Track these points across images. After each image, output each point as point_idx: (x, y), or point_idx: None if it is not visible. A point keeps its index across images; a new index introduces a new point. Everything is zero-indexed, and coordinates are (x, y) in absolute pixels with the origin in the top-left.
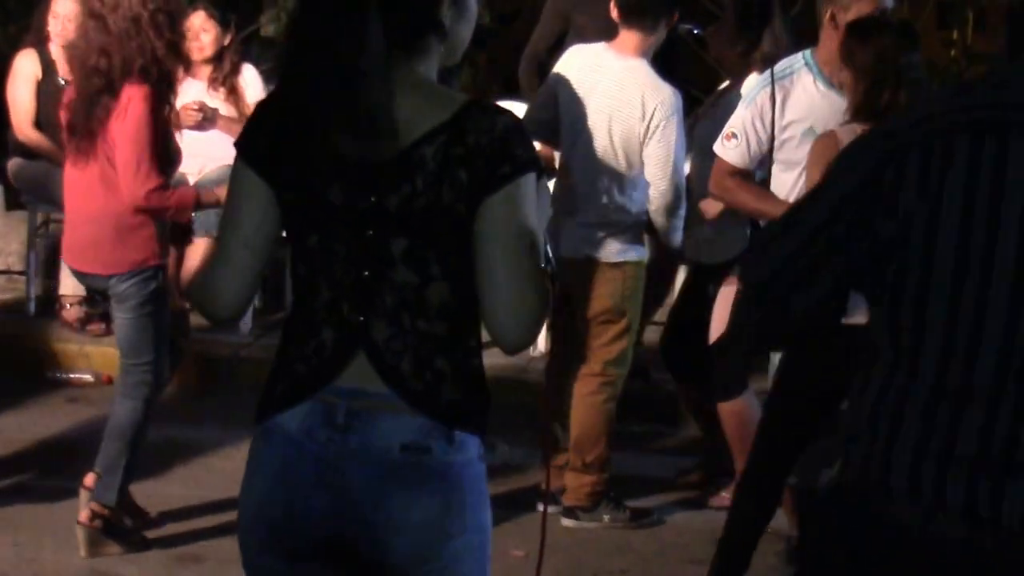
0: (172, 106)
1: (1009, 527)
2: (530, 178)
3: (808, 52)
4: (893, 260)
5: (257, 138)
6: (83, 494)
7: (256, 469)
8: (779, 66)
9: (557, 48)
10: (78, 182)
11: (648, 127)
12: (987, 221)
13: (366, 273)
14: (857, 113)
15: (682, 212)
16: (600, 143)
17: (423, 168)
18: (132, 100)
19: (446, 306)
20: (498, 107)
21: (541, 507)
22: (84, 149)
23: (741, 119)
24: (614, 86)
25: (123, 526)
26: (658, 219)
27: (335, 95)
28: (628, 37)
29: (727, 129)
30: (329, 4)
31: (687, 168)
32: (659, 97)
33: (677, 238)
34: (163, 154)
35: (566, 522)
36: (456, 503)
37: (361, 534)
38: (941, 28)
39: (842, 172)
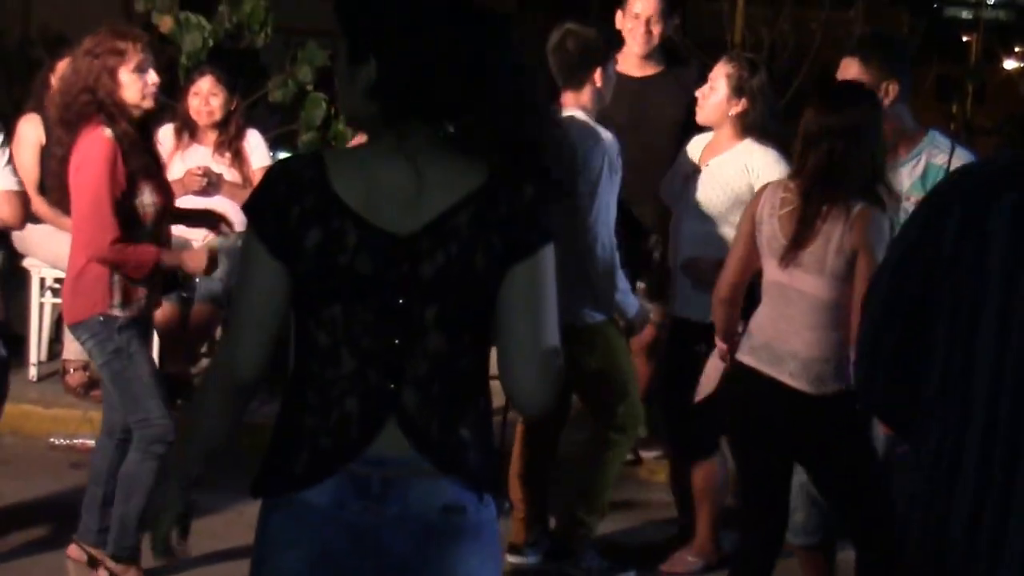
0: (154, 154)
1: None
2: (552, 248)
3: None
4: (935, 323)
5: (267, 209)
6: (69, 565)
7: (288, 546)
8: None
9: None
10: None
11: (592, 168)
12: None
13: (397, 341)
14: (794, 168)
15: (614, 265)
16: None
17: (457, 235)
18: (91, 145)
19: (471, 372)
20: (522, 176)
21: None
22: (63, 201)
23: None
24: (565, 137)
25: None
26: (590, 269)
27: (362, 163)
28: (565, 96)
29: None
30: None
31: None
32: (597, 143)
33: (621, 300)
34: (129, 204)
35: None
36: (489, 557)
37: None
38: (941, 101)
39: (895, 245)
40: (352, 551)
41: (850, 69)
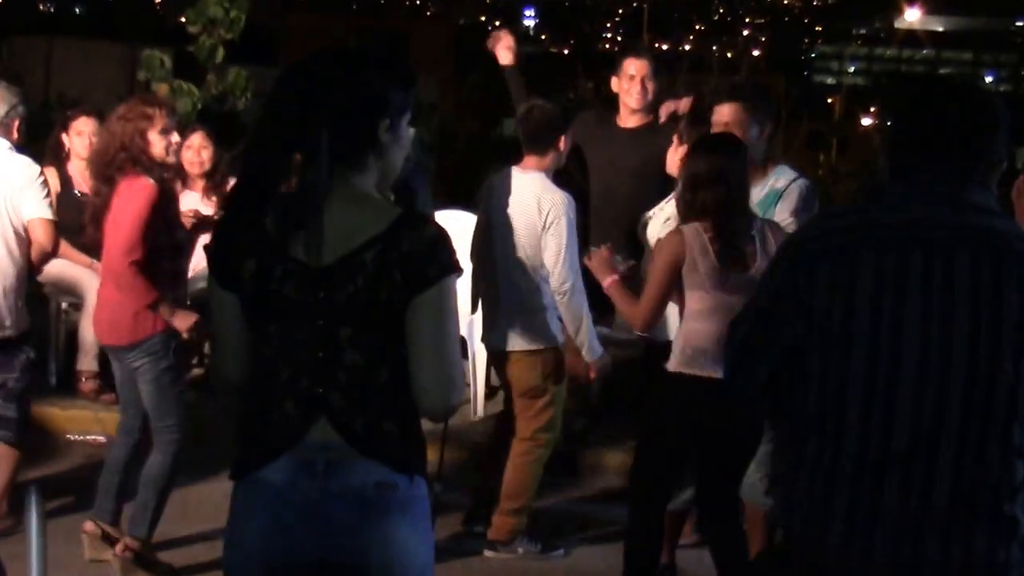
0: (177, 201)
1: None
2: (453, 278)
3: None
4: (812, 353)
5: (219, 248)
6: (84, 538)
7: (245, 517)
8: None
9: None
10: (103, 270)
11: (544, 223)
12: (893, 321)
13: (320, 354)
14: (681, 212)
15: (583, 309)
16: (511, 240)
17: (364, 270)
18: (136, 190)
19: (388, 382)
20: (427, 218)
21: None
22: (95, 240)
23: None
24: (518, 194)
25: (153, 558)
26: (563, 311)
27: (287, 206)
28: (528, 159)
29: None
30: (284, 122)
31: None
32: (552, 200)
33: (588, 343)
34: (165, 242)
35: (488, 553)
36: (417, 528)
37: (343, 558)
38: (811, 151)
39: (763, 279)
40: (300, 520)
41: (727, 110)
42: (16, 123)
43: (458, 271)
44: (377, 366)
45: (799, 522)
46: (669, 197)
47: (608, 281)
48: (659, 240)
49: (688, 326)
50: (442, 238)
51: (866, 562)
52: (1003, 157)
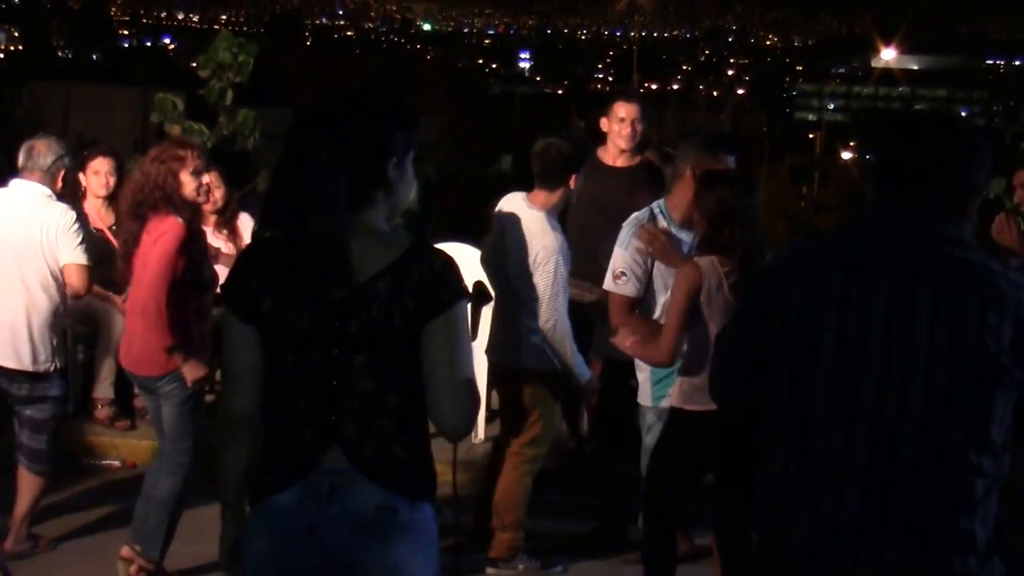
0: (203, 240)
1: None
2: (463, 304)
3: (661, 201)
4: (780, 369)
5: (238, 286)
6: (120, 565)
7: (256, 536)
8: (639, 214)
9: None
10: (130, 297)
11: (534, 262)
12: (856, 341)
13: (335, 383)
14: (706, 247)
15: (567, 341)
16: (503, 272)
17: (377, 299)
18: (167, 228)
19: (399, 407)
20: (435, 248)
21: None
22: (124, 274)
23: (623, 259)
24: (518, 228)
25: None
26: (549, 343)
27: (305, 240)
28: (538, 193)
29: (615, 269)
30: (302, 166)
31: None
32: (543, 242)
33: (574, 368)
34: (193, 278)
35: (489, 571)
36: (418, 550)
37: None
38: (794, 184)
39: (745, 295)
40: (304, 540)
41: (720, 161)
42: (61, 173)
43: (467, 296)
44: (389, 392)
45: (769, 530)
46: (629, 221)
47: (629, 342)
48: (681, 270)
49: (691, 358)
50: (450, 265)
51: (828, 568)
52: (981, 187)
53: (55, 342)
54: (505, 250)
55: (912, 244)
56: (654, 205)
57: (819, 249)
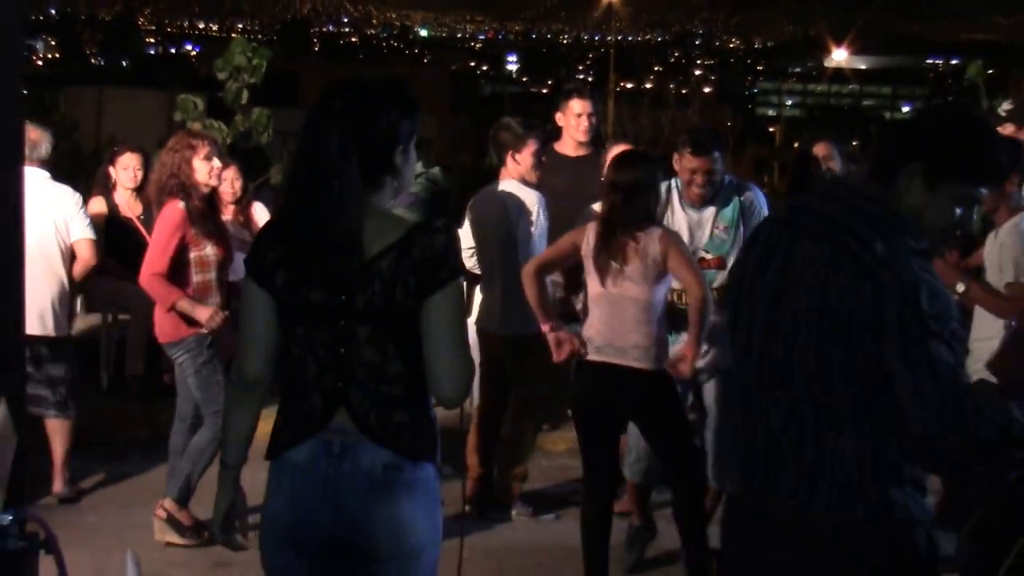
0: (217, 221)
1: (779, 498)
2: (460, 281)
3: (675, 179)
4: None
5: (258, 258)
6: (156, 522)
7: (275, 491)
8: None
9: None
10: None
11: (515, 220)
12: (748, 286)
13: (342, 351)
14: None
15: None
16: (488, 246)
17: (381, 276)
18: (169, 212)
19: (401, 375)
20: (437, 227)
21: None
22: None
23: None
24: (493, 202)
25: (186, 523)
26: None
27: (320, 222)
28: (504, 170)
29: None
30: (320, 153)
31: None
32: (516, 201)
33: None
34: (197, 255)
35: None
36: (421, 506)
37: (353, 532)
38: (756, 173)
39: None
40: (317, 495)
41: (700, 162)
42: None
43: (465, 273)
44: (391, 361)
45: (729, 482)
46: None
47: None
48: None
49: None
50: (451, 244)
51: (772, 504)
52: (916, 161)
53: (67, 311)
54: (484, 228)
55: (827, 206)
56: (672, 180)
57: (775, 216)
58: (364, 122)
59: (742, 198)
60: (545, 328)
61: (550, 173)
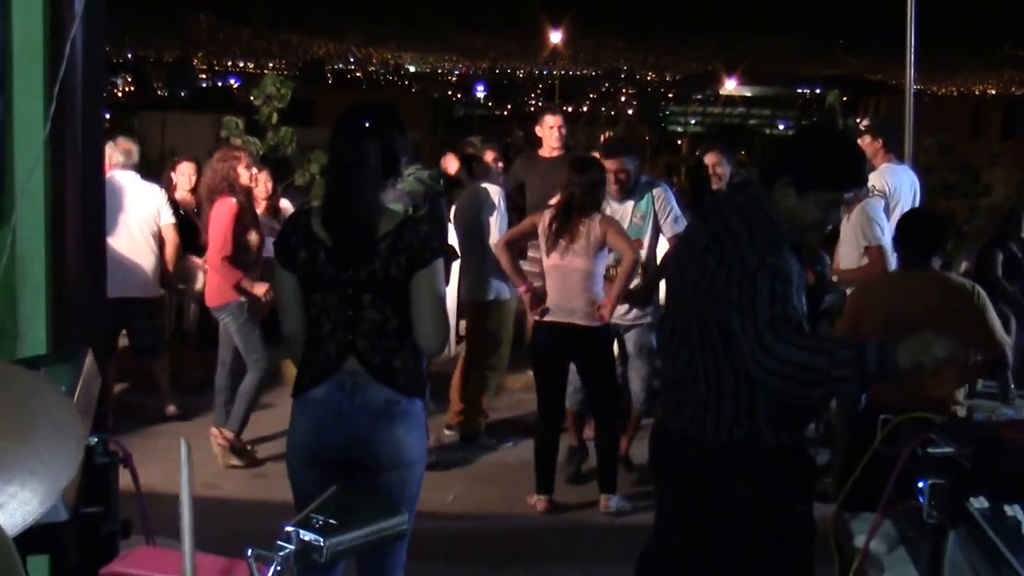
0: (254, 216)
1: (681, 424)
2: (440, 260)
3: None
4: None
5: (283, 243)
6: (219, 450)
7: (299, 421)
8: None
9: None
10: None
11: (482, 213)
12: (675, 263)
13: (350, 313)
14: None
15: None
16: (463, 231)
17: (379, 255)
18: (226, 206)
19: (397, 331)
20: (421, 219)
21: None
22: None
23: None
24: (465, 199)
25: (242, 447)
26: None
27: (344, 214)
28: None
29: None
30: (355, 162)
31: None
32: (486, 199)
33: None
34: (243, 241)
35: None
36: (412, 429)
37: (362, 450)
38: (667, 176)
39: None
40: (334, 423)
41: (614, 162)
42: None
43: (444, 254)
44: (389, 320)
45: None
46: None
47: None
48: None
49: None
50: (433, 233)
51: (676, 428)
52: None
53: (160, 278)
54: (463, 217)
55: (722, 203)
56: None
57: (709, 201)
58: (388, 138)
59: (654, 193)
60: (522, 289)
61: (531, 170)
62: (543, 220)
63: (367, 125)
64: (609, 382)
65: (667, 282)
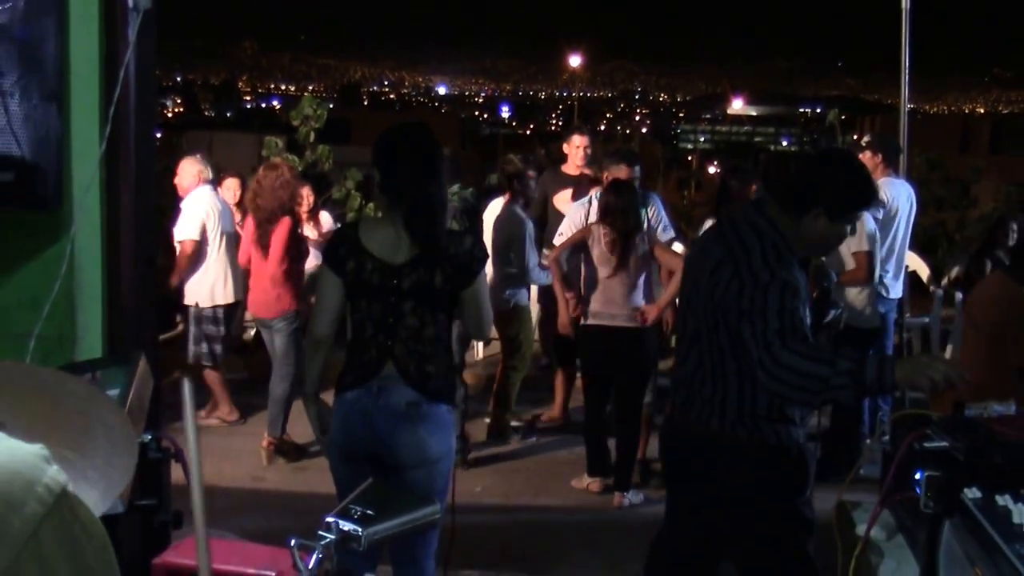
0: (301, 231)
1: (690, 420)
2: (484, 272)
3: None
4: None
5: (332, 251)
6: (263, 452)
7: (337, 420)
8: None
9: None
10: (259, 268)
11: (512, 236)
12: (690, 276)
13: (390, 320)
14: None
15: (536, 273)
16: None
17: (424, 266)
18: (283, 225)
19: (433, 338)
20: (464, 232)
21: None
22: (262, 252)
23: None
24: (499, 220)
25: (285, 447)
26: (531, 276)
27: (394, 225)
28: (509, 194)
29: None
30: (393, 178)
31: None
32: (512, 225)
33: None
34: (297, 254)
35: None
36: (435, 431)
37: (383, 449)
38: (678, 191)
39: None
40: (360, 422)
41: (621, 169)
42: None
43: (487, 259)
44: (426, 328)
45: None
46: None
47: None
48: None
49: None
50: (477, 244)
51: (686, 423)
52: (814, 196)
53: (240, 283)
54: (500, 236)
55: (738, 219)
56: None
57: (726, 215)
58: (427, 154)
59: (648, 204)
60: (570, 296)
61: (557, 185)
62: (594, 236)
63: (427, 147)
64: (642, 387)
65: (680, 290)
